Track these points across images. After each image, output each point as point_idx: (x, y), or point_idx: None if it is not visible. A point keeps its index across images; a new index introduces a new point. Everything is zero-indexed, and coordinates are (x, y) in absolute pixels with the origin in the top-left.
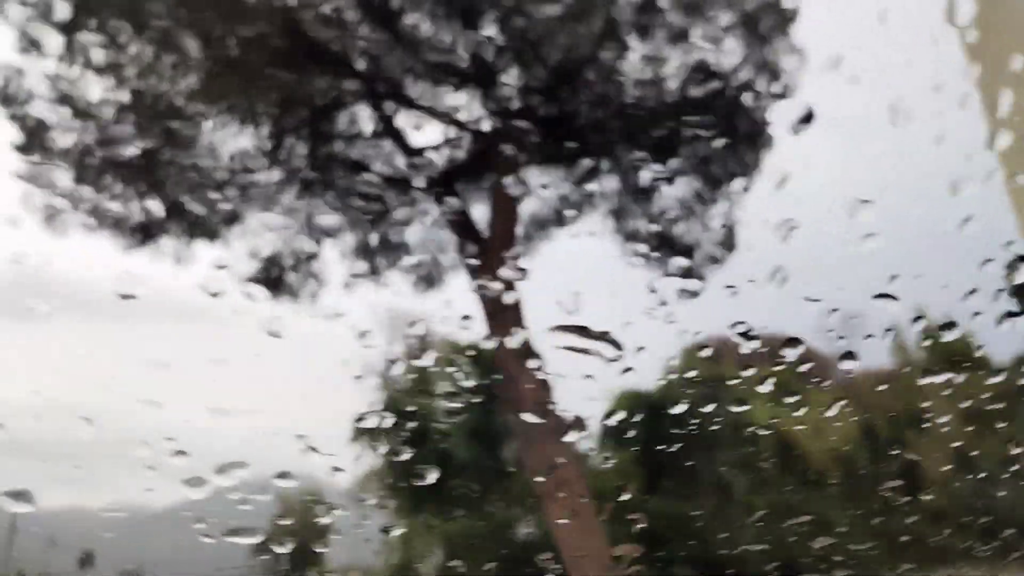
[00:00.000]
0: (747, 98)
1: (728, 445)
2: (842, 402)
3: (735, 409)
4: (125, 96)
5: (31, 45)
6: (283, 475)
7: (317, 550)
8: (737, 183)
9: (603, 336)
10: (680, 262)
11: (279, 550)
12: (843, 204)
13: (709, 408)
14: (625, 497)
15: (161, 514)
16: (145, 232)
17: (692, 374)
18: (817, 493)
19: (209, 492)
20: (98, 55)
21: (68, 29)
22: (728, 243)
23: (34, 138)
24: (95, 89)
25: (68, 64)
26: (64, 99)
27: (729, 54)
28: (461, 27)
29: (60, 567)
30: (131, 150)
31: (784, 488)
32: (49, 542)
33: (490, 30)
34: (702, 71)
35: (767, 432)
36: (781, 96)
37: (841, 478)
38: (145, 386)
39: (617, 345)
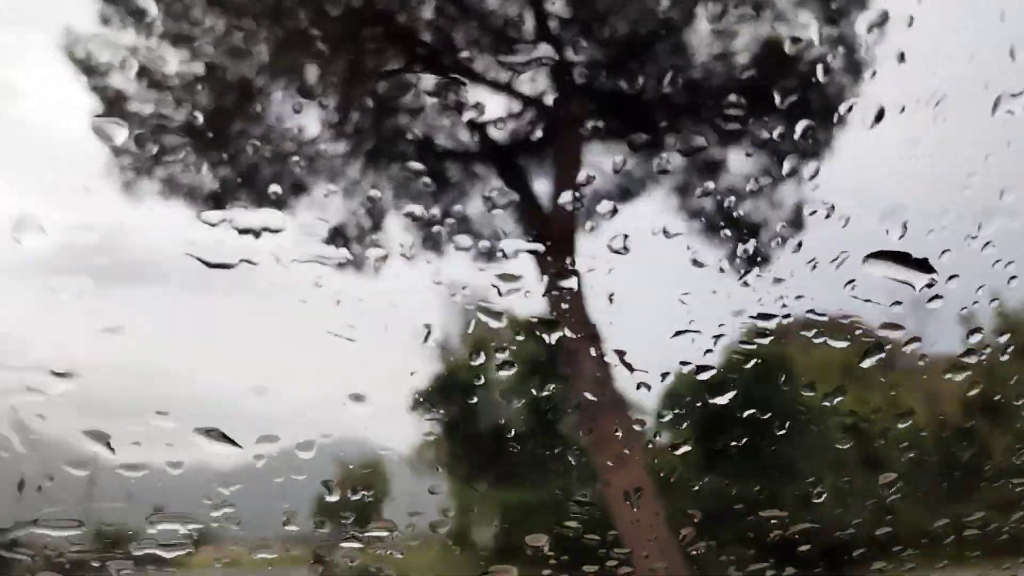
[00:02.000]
0: (820, 74)
1: (792, 428)
2: (911, 386)
3: (800, 391)
4: (199, 68)
5: (110, 16)
6: (342, 442)
7: (371, 513)
8: (808, 161)
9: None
10: (747, 241)
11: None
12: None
13: (772, 389)
14: (685, 477)
15: (229, 473)
16: (216, 201)
17: (754, 354)
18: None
19: (273, 452)
20: (173, 27)
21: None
22: (796, 222)
23: (112, 108)
24: (170, 61)
25: (145, 36)
26: (141, 71)
27: (803, 27)
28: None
29: (135, 521)
30: (203, 121)
31: (848, 472)
32: (125, 496)
33: (555, 3)
34: (774, 44)
35: (832, 415)
36: (856, 73)
37: (909, 463)
38: (216, 351)
39: (629, 368)
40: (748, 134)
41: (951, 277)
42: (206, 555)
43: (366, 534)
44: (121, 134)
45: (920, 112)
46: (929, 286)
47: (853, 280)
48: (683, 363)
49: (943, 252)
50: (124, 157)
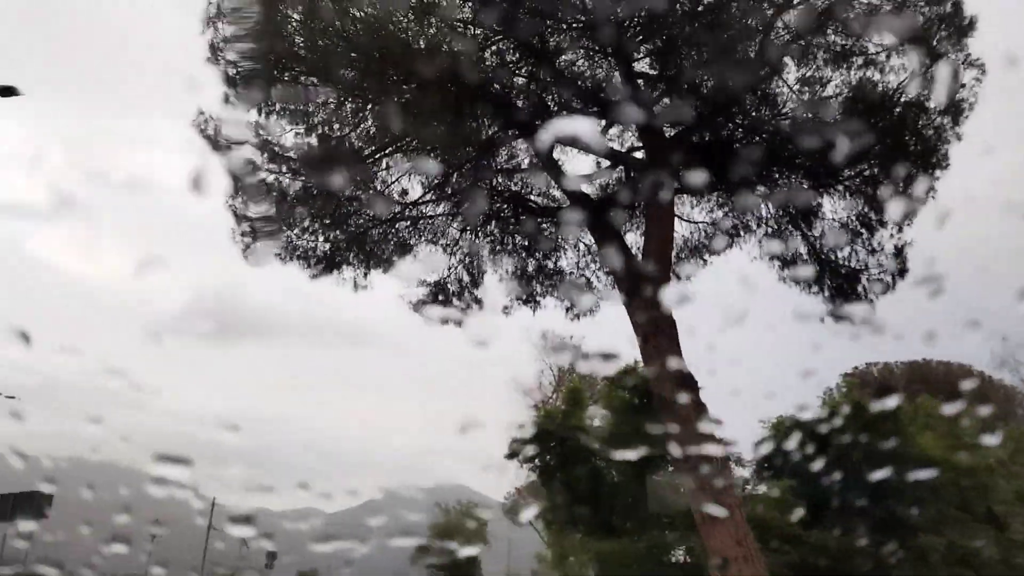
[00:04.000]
0: (916, 116)
1: (897, 479)
2: None
3: (905, 443)
4: (312, 140)
5: (234, 97)
6: (441, 488)
7: (472, 559)
8: (907, 204)
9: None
10: (843, 288)
11: (437, 556)
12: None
13: (874, 439)
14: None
15: (333, 517)
16: (328, 262)
17: (855, 403)
18: (998, 534)
19: (376, 499)
20: (289, 104)
21: (264, 83)
22: (899, 268)
23: (237, 180)
24: (287, 135)
25: (264, 114)
26: (262, 144)
27: (897, 71)
28: (614, 62)
29: (251, 564)
30: (317, 188)
31: (962, 527)
32: (241, 543)
33: (642, 63)
34: (866, 90)
35: (941, 466)
36: (956, 113)
37: None
38: (323, 402)
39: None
40: (845, 181)
41: None
42: None
43: None
44: (244, 205)
45: None
46: None
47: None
48: (782, 417)
49: None
50: (245, 225)
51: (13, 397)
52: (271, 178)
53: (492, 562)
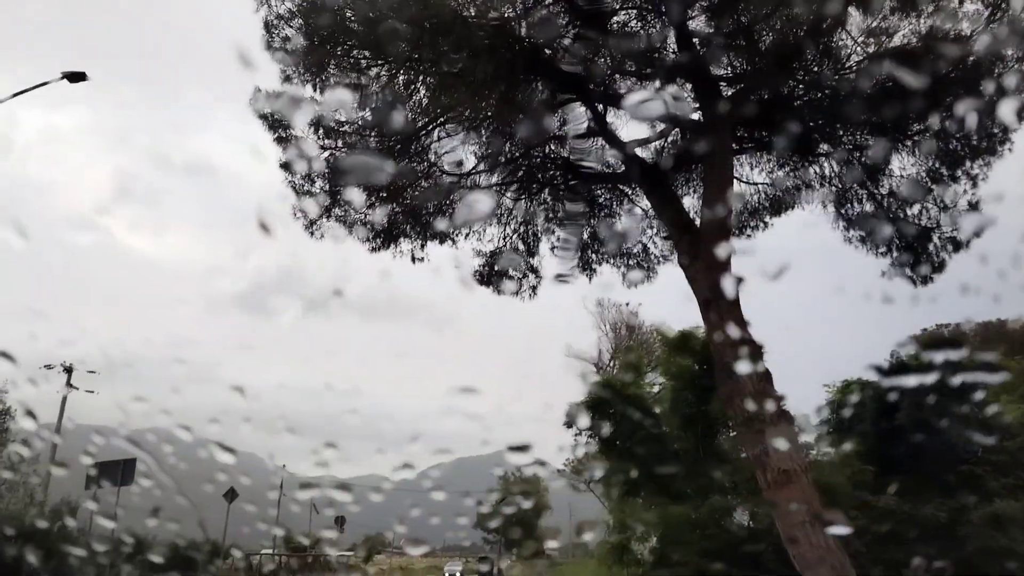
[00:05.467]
0: (990, 68)
1: (971, 443)
2: None
3: (982, 404)
4: (367, 113)
5: (290, 75)
6: (500, 455)
7: (535, 523)
8: (979, 161)
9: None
10: (912, 246)
11: (502, 519)
12: None
13: (946, 400)
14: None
15: (398, 484)
16: (387, 235)
17: (927, 363)
18: None
19: (441, 466)
20: (343, 79)
21: (317, 59)
22: (972, 225)
23: (293, 155)
24: (342, 109)
25: (319, 89)
26: (316, 120)
27: (969, 19)
28: (667, 20)
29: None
30: (373, 162)
31: None
32: (312, 507)
33: (697, 20)
34: (935, 40)
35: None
36: None
37: None
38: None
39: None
40: (914, 135)
41: None
42: (379, 561)
43: (526, 546)
44: (302, 180)
45: None
46: None
47: None
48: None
49: None
50: (305, 200)
51: (94, 372)
52: (327, 154)
53: (554, 529)
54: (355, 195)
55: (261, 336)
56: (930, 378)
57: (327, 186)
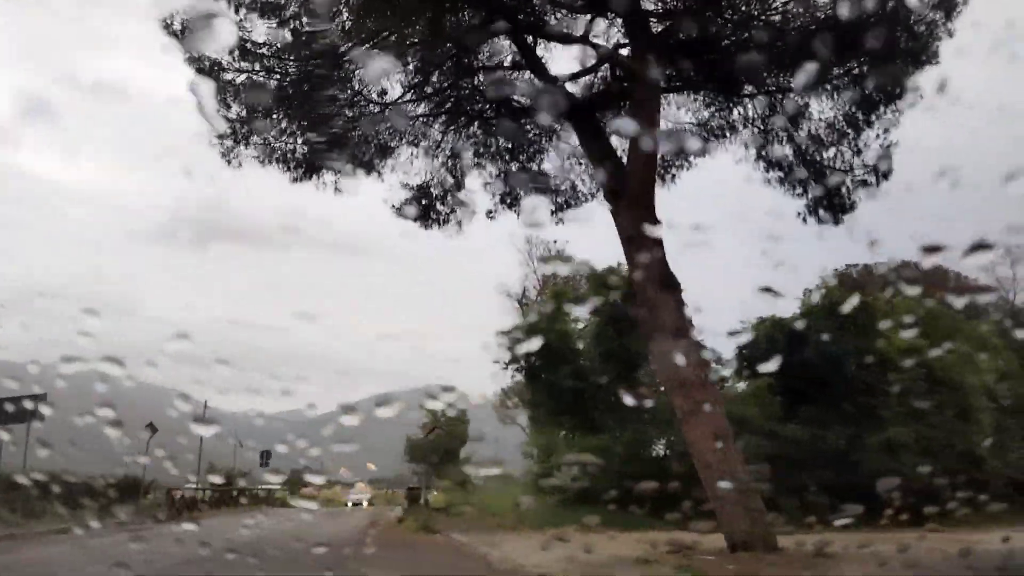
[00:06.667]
0: (906, 12)
1: (870, 375)
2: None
3: (879, 340)
4: (287, 36)
5: None
6: (430, 389)
7: (460, 457)
8: (894, 104)
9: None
10: (827, 187)
11: (430, 450)
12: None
13: (849, 336)
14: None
15: (321, 419)
16: (309, 166)
17: (833, 302)
18: (964, 426)
19: (358, 403)
20: None
21: None
22: (884, 168)
23: (208, 78)
24: (260, 30)
25: (236, 7)
26: (233, 41)
27: None
28: None
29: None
30: (293, 88)
31: (931, 420)
32: (237, 442)
33: None
34: None
35: (913, 362)
36: (948, 8)
37: (993, 411)
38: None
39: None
40: (832, 80)
41: None
42: (306, 493)
43: (451, 475)
44: (217, 104)
45: None
46: None
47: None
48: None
49: None
50: (220, 126)
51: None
52: (244, 77)
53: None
54: (274, 123)
55: (185, 270)
56: (835, 315)
57: (244, 112)
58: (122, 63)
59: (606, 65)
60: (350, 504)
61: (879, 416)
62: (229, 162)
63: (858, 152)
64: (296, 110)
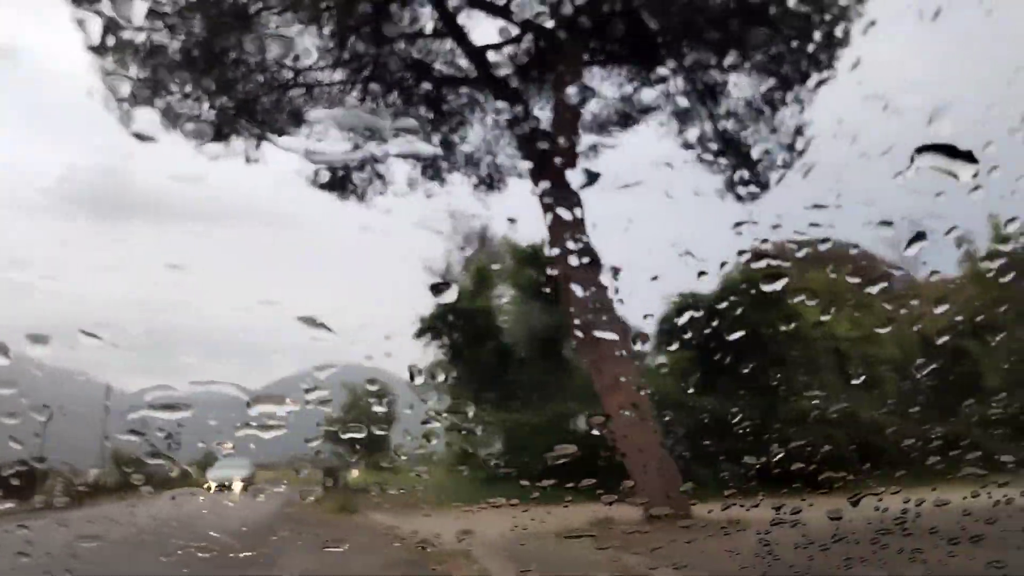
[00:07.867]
0: None
1: (783, 350)
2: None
3: (789, 315)
4: None
5: None
6: (348, 369)
7: (380, 436)
8: (809, 83)
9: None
10: (745, 165)
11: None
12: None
13: (764, 313)
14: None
15: (230, 401)
16: (216, 131)
17: (748, 278)
18: (870, 396)
19: (275, 383)
20: None
21: None
22: (796, 147)
23: (106, 38)
24: None
25: None
26: None
27: None
28: None
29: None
30: (200, 49)
31: (836, 392)
32: (141, 424)
33: None
34: None
35: (823, 338)
36: None
37: (894, 384)
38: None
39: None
40: (751, 55)
41: (993, 168)
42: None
43: (374, 454)
44: (117, 66)
45: (968, 9)
46: (974, 176)
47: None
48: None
49: (987, 145)
50: (122, 89)
51: None
52: (144, 36)
53: (401, 438)
54: (178, 85)
55: (81, 241)
56: (752, 290)
57: (145, 74)
58: (9, 17)
59: (529, 36)
60: (212, 486)
61: (792, 387)
62: (127, 127)
63: (774, 130)
64: (203, 74)
